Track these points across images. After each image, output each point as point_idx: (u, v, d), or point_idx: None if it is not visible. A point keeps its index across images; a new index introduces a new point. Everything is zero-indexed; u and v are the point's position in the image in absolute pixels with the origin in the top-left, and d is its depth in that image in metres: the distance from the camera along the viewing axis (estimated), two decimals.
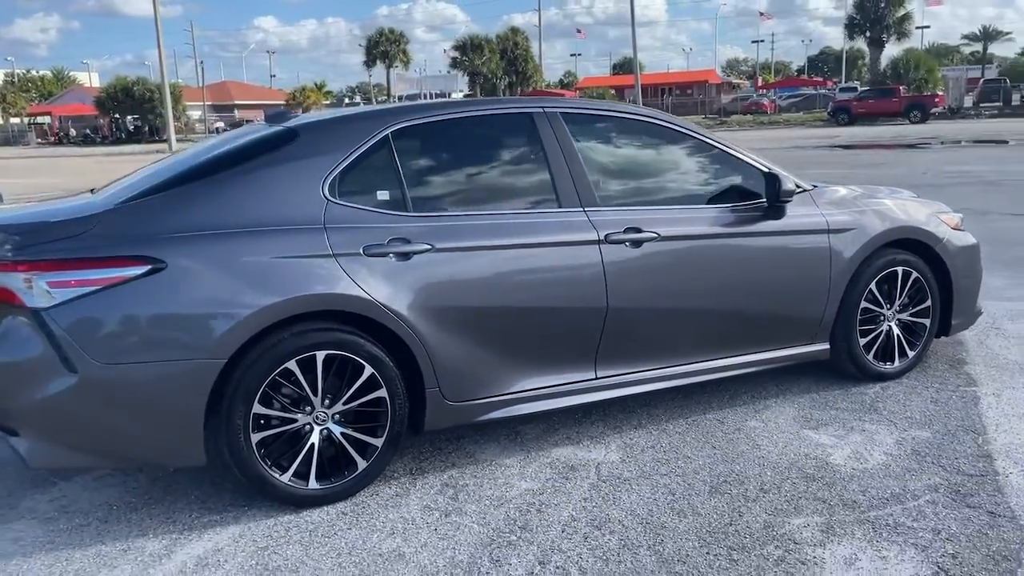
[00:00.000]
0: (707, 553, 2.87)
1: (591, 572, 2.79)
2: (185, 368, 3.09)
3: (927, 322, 4.60)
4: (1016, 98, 46.68)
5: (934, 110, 41.07)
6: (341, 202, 3.39)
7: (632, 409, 4.21)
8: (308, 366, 3.25)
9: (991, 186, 13.34)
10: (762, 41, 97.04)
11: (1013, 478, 3.33)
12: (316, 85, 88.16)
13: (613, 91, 60.81)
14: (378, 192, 3.49)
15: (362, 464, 3.39)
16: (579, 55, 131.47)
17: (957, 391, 4.33)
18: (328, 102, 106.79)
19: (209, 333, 3.10)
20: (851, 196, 4.51)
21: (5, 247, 3.10)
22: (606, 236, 3.73)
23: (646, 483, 3.42)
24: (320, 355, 3.25)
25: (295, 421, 3.28)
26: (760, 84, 73.73)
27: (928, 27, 54.84)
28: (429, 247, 3.42)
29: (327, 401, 3.32)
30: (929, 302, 4.57)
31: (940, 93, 45.02)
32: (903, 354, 4.56)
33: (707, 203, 4.13)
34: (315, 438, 3.31)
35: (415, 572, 2.85)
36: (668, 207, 4.02)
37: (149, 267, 3.06)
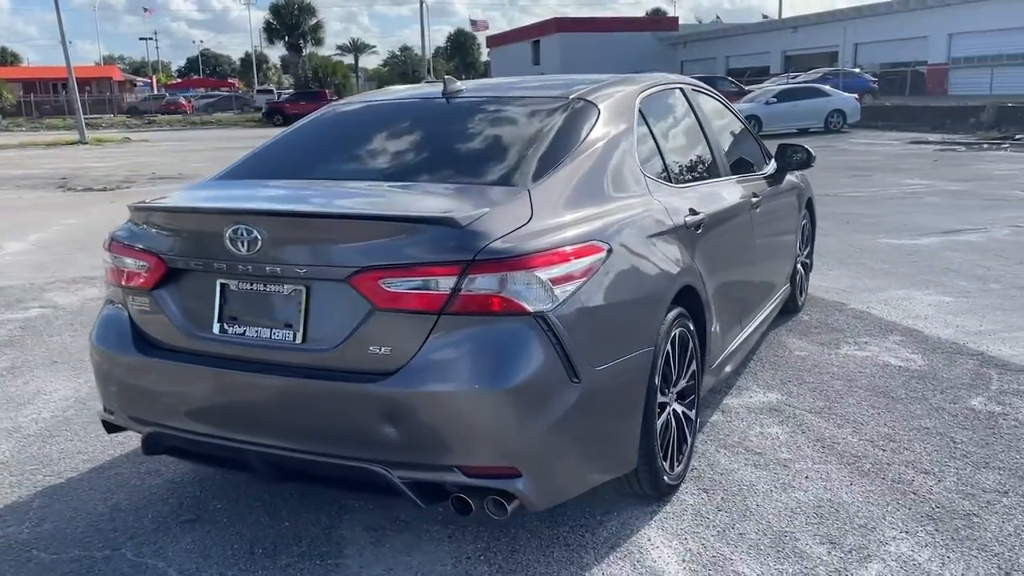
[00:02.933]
0: (985, 433, 3.67)
1: (940, 465, 3.38)
2: (639, 361, 2.78)
3: (809, 261, 5.96)
4: None
5: None
6: (648, 175, 3.26)
7: None
8: (673, 345, 3.11)
9: None
10: (150, 39, 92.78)
11: (1005, 348, 4.80)
12: None
13: None
14: (654, 162, 3.42)
15: (690, 440, 3.34)
16: None
17: (848, 309, 5.76)
18: None
19: (647, 319, 2.86)
20: None
21: (462, 244, 2.41)
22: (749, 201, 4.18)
23: (846, 407, 4.04)
24: (676, 332, 3.13)
25: (666, 406, 3.10)
26: (167, 84, 71.27)
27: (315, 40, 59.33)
28: (705, 216, 3.48)
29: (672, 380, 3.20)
30: (810, 244, 5.94)
31: None
32: (805, 285, 5.84)
33: (749, 170, 4.78)
34: (672, 420, 3.17)
35: (894, 506, 3.08)
36: (743, 175, 4.57)
37: (605, 252, 2.65)
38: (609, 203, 2.91)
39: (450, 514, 3.02)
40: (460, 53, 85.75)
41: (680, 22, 70.08)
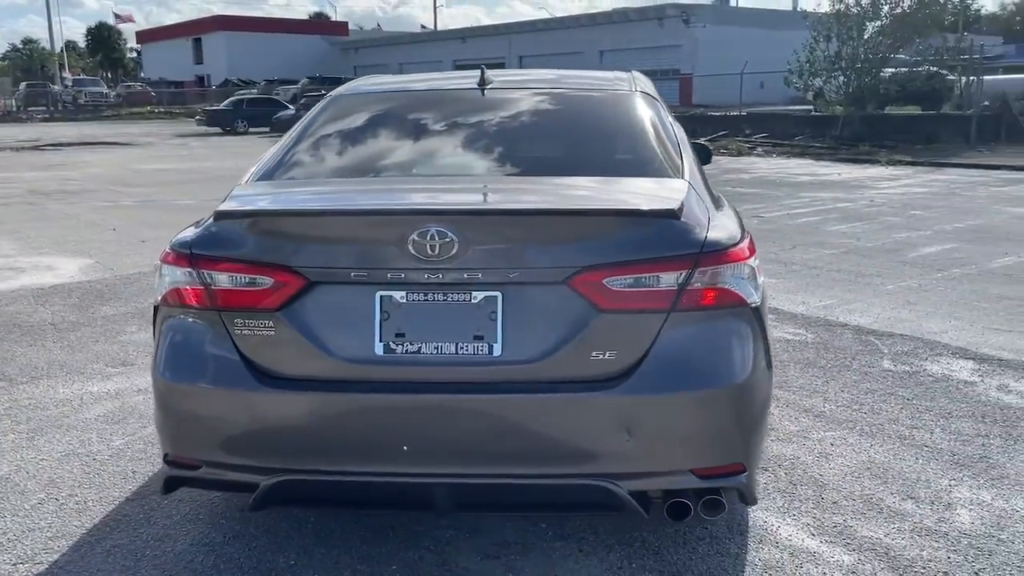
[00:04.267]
0: (919, 389, 4.24)
1: (918, 420, 3.88)
2: None
3: None
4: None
5: None
6: None
7: None
8: None
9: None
10: None
11: (859, 318, 5.54)
12: None
13: None
14: None
15: None
16: None
17: None
18: None
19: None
20: None
21: (687, 236, 2.34)
22: None
23: (796, 380, 4.43)
24: None
25: None
26: None
27: None
28: None
29: None
30: None
31: None
32: None
33: None
34: None
35: (923, 459, 3.44)
36: None
37: None
38: (713, 194, 2.94)
39: (558, 527, 2.89)
40: (103, 48, 77.82)
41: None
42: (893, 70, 22.84)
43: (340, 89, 3.48)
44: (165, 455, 2.49)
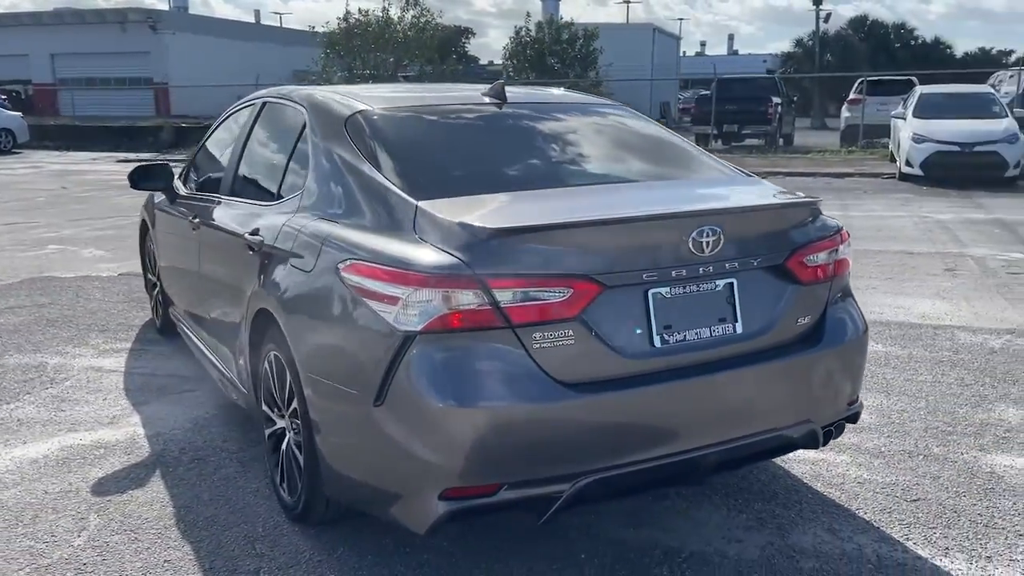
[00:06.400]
0: None
1: None
2: None
3: None
4: None
5: None
6: None
7: None
8: None
9: None
10: None
11: None
12: None
13: None
14: None
15: None
16: None
17: None
18: None
19: None
20: None
21: (829, 220, 2.95)
22: None
23: None
24: None
25: None
26: None
27: None
28: None
29: None
30: None
31: None
32: None
33: None
34: None
35: None
36: None
37: None
38: None
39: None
40: None
41: None
42: None
43: (358, 106, 3.13)
44: (441, 492, 2.27)
